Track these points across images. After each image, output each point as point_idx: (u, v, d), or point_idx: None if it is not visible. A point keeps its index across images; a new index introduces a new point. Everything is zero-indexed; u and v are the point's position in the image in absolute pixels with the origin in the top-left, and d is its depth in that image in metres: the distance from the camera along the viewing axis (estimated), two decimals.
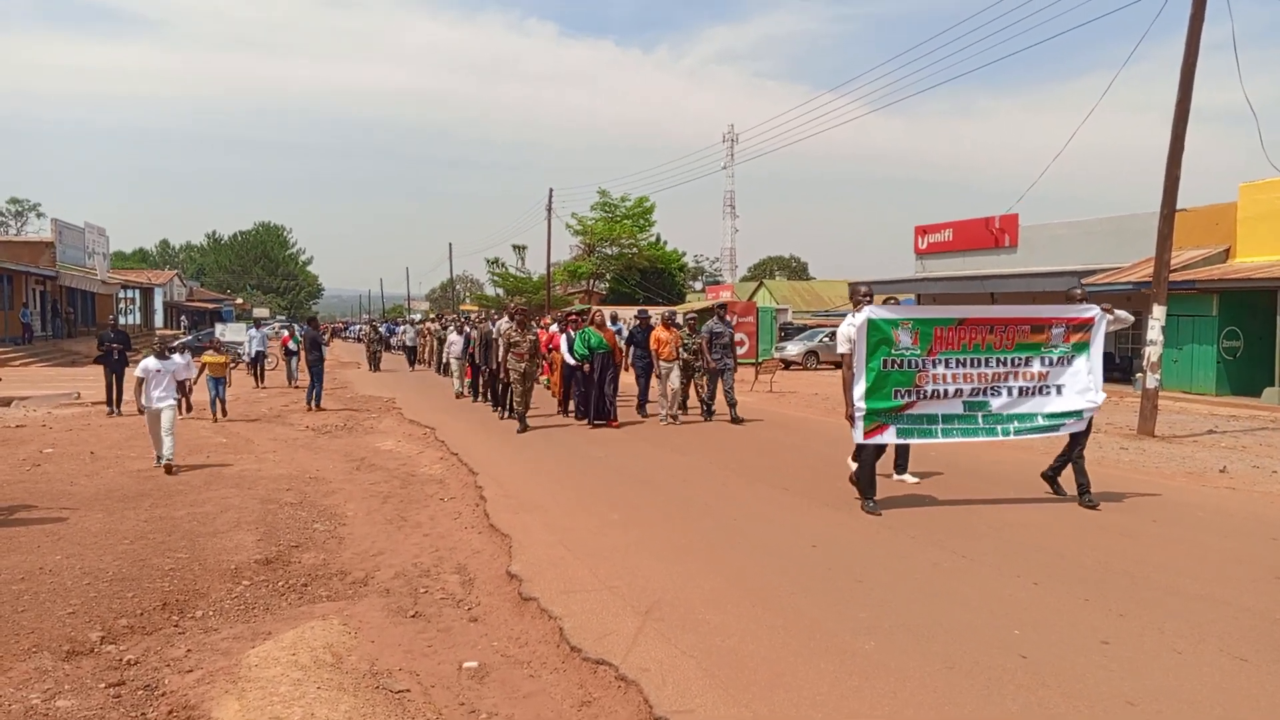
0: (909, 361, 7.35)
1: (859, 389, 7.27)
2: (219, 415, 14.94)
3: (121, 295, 47.31)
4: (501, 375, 13.98)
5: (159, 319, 56.45)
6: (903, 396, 7.38)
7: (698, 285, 70.36)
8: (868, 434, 7.31)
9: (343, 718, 3.91)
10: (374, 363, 29.41)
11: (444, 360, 24.20)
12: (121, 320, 45.64)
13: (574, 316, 15.64)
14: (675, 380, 13.94)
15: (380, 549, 6.93)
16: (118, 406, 15.41)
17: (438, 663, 4.68)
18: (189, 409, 14.26)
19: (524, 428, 12.96)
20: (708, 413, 14.34)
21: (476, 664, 4.63)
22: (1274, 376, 19.20)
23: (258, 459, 11.00)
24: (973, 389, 7.56)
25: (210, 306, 65.38)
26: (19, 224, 79.33)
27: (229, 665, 4.53)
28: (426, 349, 30.18)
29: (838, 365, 19.68)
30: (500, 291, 56.30)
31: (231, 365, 16.09)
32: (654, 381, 14.58)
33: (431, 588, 5.95)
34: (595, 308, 15.31)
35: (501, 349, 13.57)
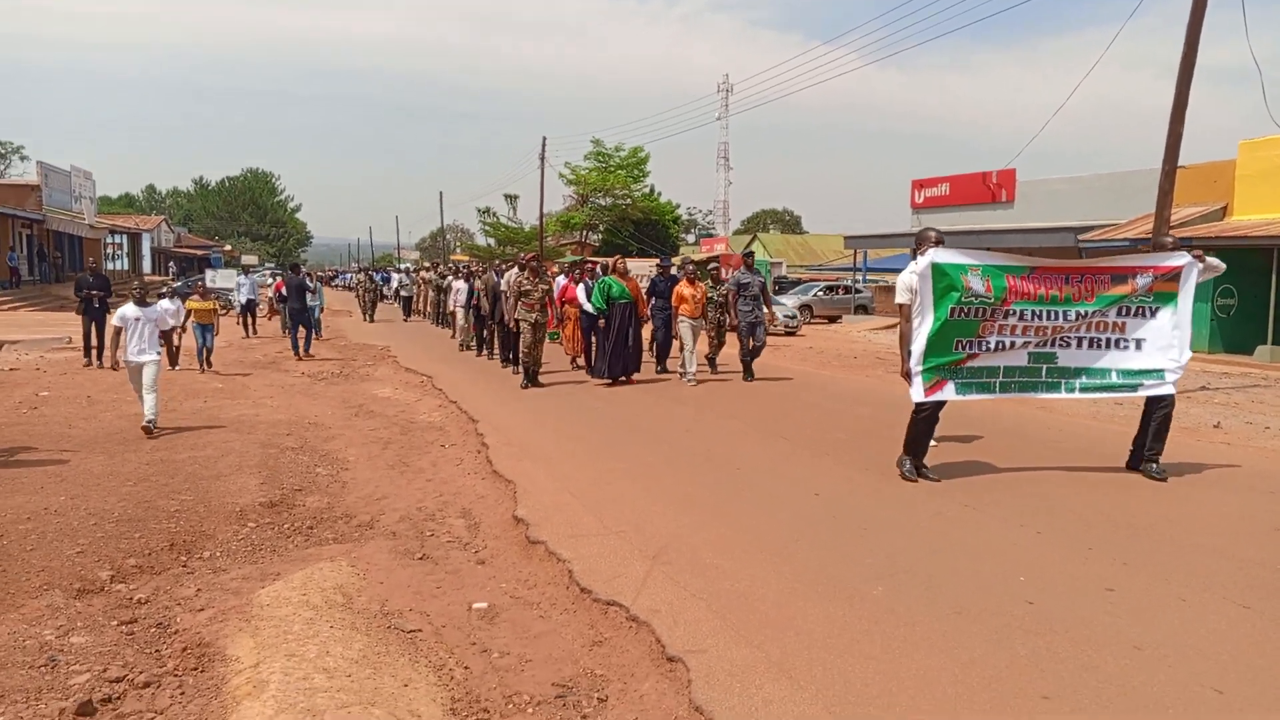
0: (976, 310, 6.58)
1: (919, 343, 6.55)
2: (205, 366, 14.20)
3: (109, 240, 46.83)
4: (510, 325, 13.11)
5: (147, 265, 55.93)
6: (964, 348, 6.67)
7: (691, 238, 70.01)
8: (929, 390, 6.60)
9: (357, 656, 3.94)
10: (369, 311, 28.49)
11: (442, 310, 23.61)
12: (109, 266, 45.26)
13: (592, 264, 14.79)
14: (692, 338, 12.81)
15: (384, 493, 6.95)
16: (98, 358, 14.21)
17: (447, 604, 4.71)
18: (175, 362, 14.18)
19: (528, 383, 12.26)
20: (748, 373, 13.05)
21: (486, 605, 4.67)
22: (1267, 334, 19.29)
23: (255, 404, 10.97)
24: (1042, 340, 6.84)
25: (199, 253, 64.79)
26: (3, 166, 78.15)
27: (240, 604, 4.55)
28: (422, 298, 29.47)
29: (831, 320, 18.48)
30: (491, 241, 55.90)
31: (220, 312, 15.19)
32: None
33: (438, 531, 5.97)
34: (617, 256, 14.05)
35: (512, 299, 12.60)
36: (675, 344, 13.68)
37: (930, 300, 6.53)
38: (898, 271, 34.73)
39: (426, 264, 43.43)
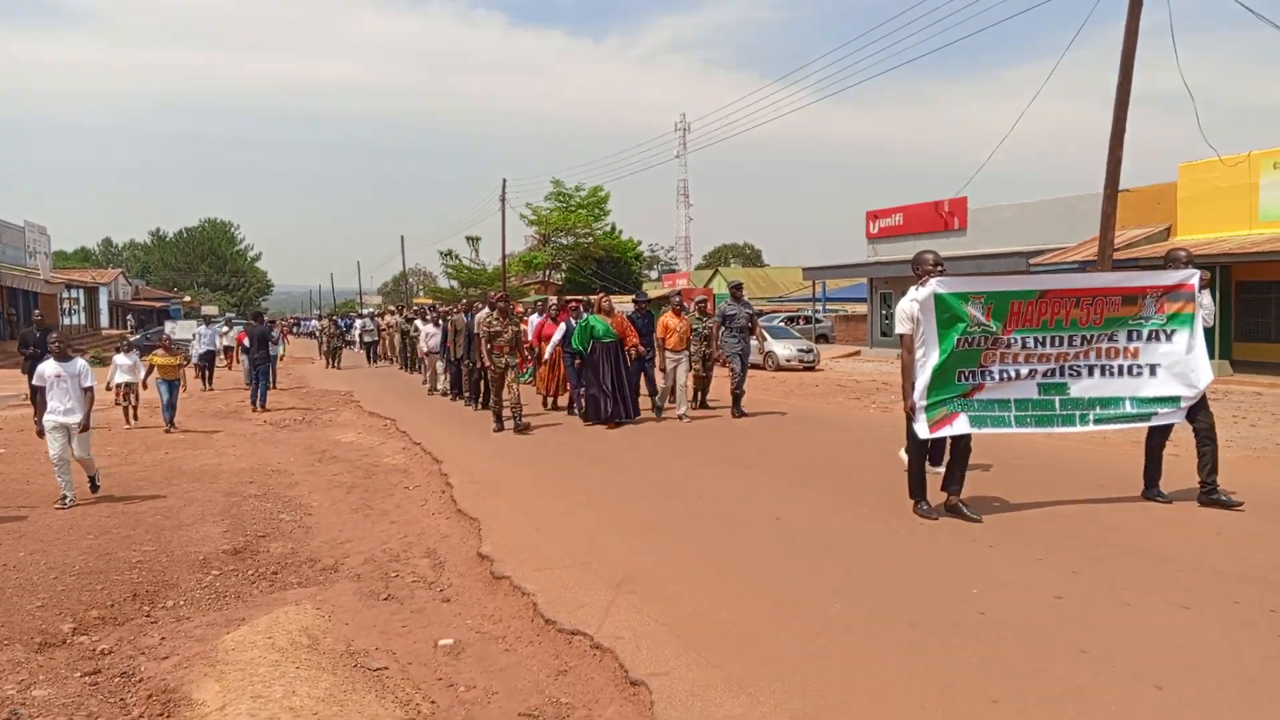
0: (978, 339, 6.27)
1: (923, 377, 6.19)
2: (170, 425, 13.06)
3: (65, 295, 46.19)
4: (480, 369, 12.55)
5: (104, 318, 55.22)
6: (967, 379, 6.33)
7: (653, 274, 70.55)
8: (934, 426, 6.22)
9: (324, 695, 3.97)
10: (333, 359, 27.63)
11: (409, 355, 23.04)
12: (66, 320, 44.60)
13: (575, 304, 14.09)
14: (682, 374, 12.26)
15: (348, 537, 6.96)
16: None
17: (413, 642, 4.75)
18: (133, 417, 13.51)
19: (501, 426, 11.74)
20: (734, 407, 12.55)
21: (452, 641, 4.71)
22: (1214, 349, 19.83)
23: (217, 454, 10.91)
24: (1048, 369, 6.49)
25: (157, 305, 64.06)
26: None
27: (205, 650, 4.56)
28: (386, 343, 28.86)
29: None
30: (455, 284, 55.93)
31: (184, 365, 14.52)
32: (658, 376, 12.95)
33: (402, 571, 6.00)
34: (601, 294, 13.63)
35: (482, 341, 11.97)
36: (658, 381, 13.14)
37: (934, 332, 6.21)
38: (855, 301, 35.14)
39: (391, 307, 42.86)
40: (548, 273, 50.25)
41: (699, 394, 13.44)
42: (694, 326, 12.60)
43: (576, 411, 12.74)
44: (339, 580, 5.84)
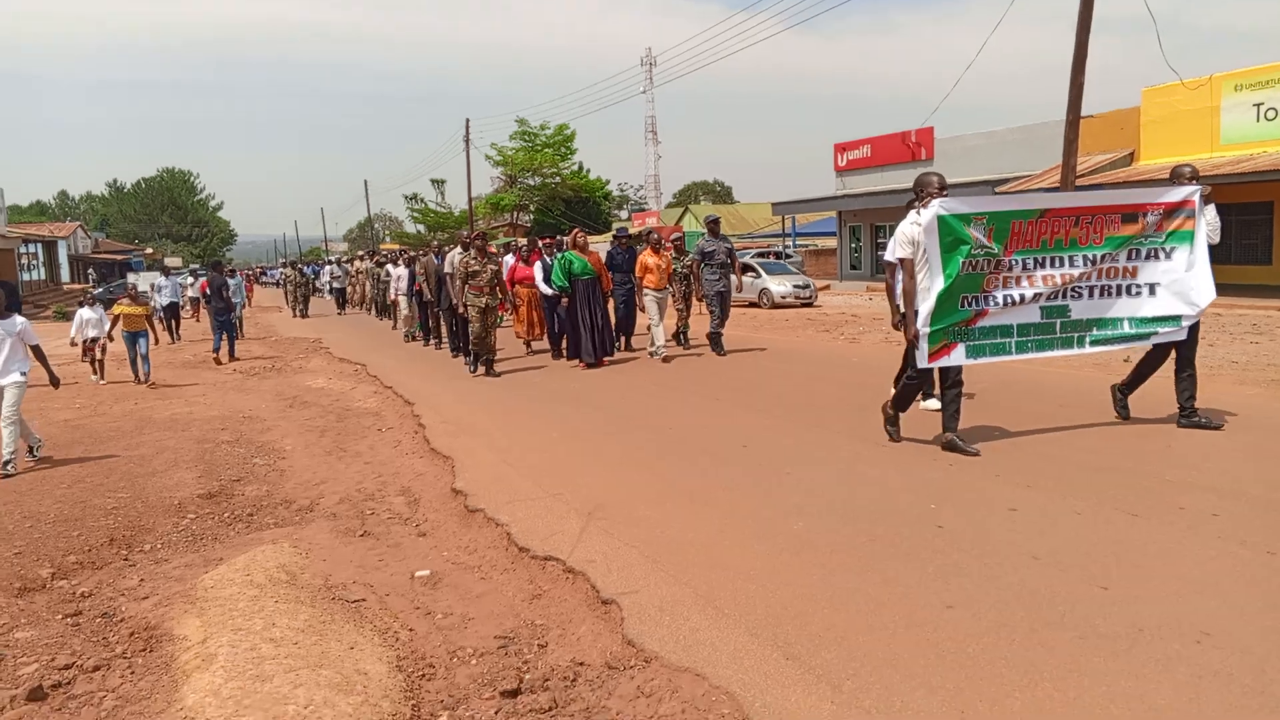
0: (982, 263, 6.09)
1: (927, 303, 6.00)
2: (141, 378, 12.78)
3: (23, 250, 45.27)
4: (460, 311, 11.93)
5: (65, 273, 54.24)
6: (970, 305, 6.14)
7: (623, 213, 70.08)
8: (933, 355, 6.07)
9: (303, 625, 4.07)
10: (301, 307, 26.95)
11: (381, 300, 22.45)
12: (25, 276, 43.78)
13: (548, 240, 13.77)
14: (659, 309, 12.10)
15: (322, 478, 7.03)
16: None
17: (390, 574, 4.86)
18: (101, 372, 13.11)
19: (477, 370, 11.47)
20: (717, 345, 12.36)
21: (429, 572, 4.82)
22: None
23: (187, 402, 10.90)
24: (1051, 292, 6.31)
25: (119, 258, 62.98)
26: None
27: (185, 589, 4.64)
28: (357, 290, 28.18)
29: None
30: (421, 228, 55.40)
31: (151, 315, 13.82)
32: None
33: (378, 509, 6.09)
34: (576, 229, 12.77)
35: (459, 282, 11.53)
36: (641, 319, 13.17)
37: (938, 255, 5.98)
38: (825, 235, 34.97)
39: (360, 253, 41.81)
40: (515, 214, 49.84)
41: (681, 333, 13.28)
42: (674, 266, 12.52)
43: (559, 355, 12.59)
44: (315, 520, 5.92)
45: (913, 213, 6.12)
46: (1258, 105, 20.03)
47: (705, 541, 4.64)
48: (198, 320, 20.44)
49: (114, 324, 13.05)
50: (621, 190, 78.25)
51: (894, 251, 6.43)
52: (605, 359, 11.77)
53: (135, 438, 8.66)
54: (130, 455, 7.83)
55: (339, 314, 27.68)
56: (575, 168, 50.82)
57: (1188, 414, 6.49)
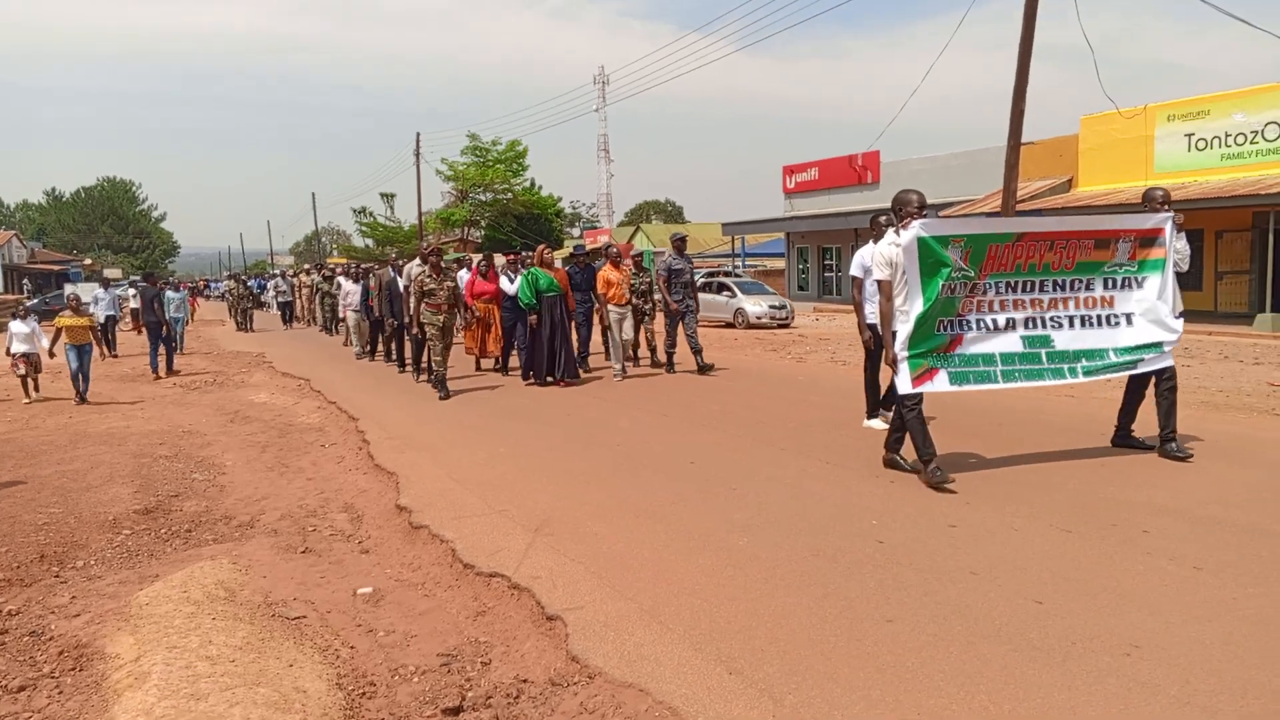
0: (958, 286, 6.00)
1: (905, 327, 5.87)
2: (81, 397, 11.91)
3: None
4: (414, 330, 11.47)
5: None
6: (946, 329, 6.01)
7: (575, 231, 70.10)
8: (917, 380, 5.87)
9: (241, 643, 3.99)
10: (245, 322, 26.16)
11: (328, 315, 22.10)
12: None
13: (514, 256, 13.59)
14: (628, 329, 12.01)
15: (264, 494, 6.90)
16: None
17: (332, 591, 4.78)
18: (35, 388, 12.12)
19: (446, 393, 10.74)
20: (670, 366, 12.31)
21: (371, 589, 4.76)
22: None
23: (125, 416, 10.64)
24: (1027, 318, 6.24)
25: (56, 268, 61.26)
26: None
27: (118, 607, 4.52)
28: (304, 304, 27.67)
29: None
30: (369, 242, 54.84)
31: (93, 326, 12.83)
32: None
33: (320, 526, 6.00)
34: (543, 245, 12.37)
35: (414, 299, 11.14)
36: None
37: (917, 279, 5.85)
38: (774, 256, 35.17)
39: (307, 266, 40.92)
40: (466, 229, 49.59)
41: (650, 350, 12.99)
42: (632, 281, 12.22)
43: (508, 372, 12.23)
44: (255, 536, 5.82)
45: (890, 233, 5.99)
46: (1189, 135, 20.76)
47: (651, 556, 4.66)
48: (139, 334, 19.64)
49: (56, 337, 12.08)
50: (574, 208, 78.42)
51: (861, 269, 6.78)
52: (568, 381, 11.35)
53: (69, 452, 8.43)
54: (63, 470, 7.61)
55: (285, 329, 27.00)
56: (527, 184, 50.77)
57: (1166, 439, 6.42)
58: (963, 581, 4.12)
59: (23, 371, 12.12)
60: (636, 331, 12.87)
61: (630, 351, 12.94)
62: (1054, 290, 6.34)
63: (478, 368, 13.48)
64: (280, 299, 29.19)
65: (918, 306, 5.86)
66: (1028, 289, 6.27)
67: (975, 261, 6.02)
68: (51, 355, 12.20)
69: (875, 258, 6.07)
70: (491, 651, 3.91)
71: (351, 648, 4.06)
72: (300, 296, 28.25)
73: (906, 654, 3.42)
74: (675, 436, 7.91)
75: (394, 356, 14.36)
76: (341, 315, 18.28)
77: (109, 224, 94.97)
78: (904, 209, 5.94)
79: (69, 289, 32.79)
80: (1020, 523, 4.94)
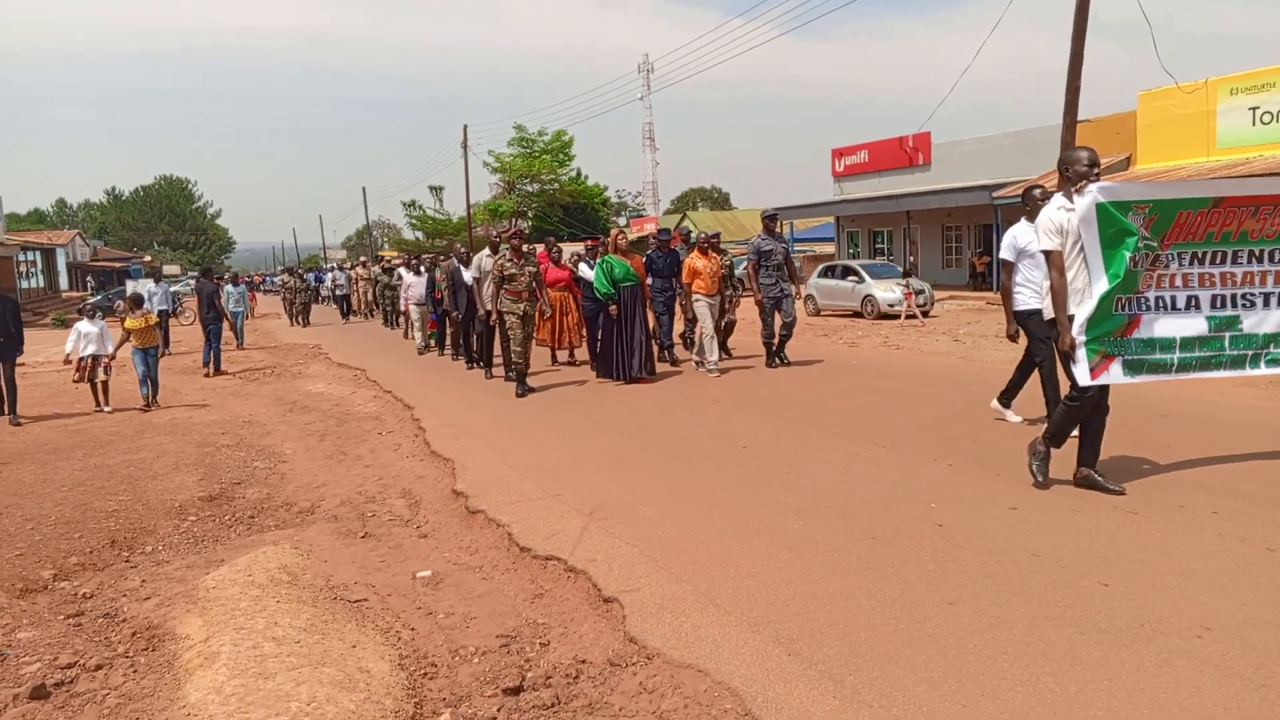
0: (1141, 259, 5.06)
1: (1084, 309, 4.98)
2: (150, 403, 11.00)
3: (21, 258, 45.26)
4: (491, 320, 10.69)
5: (63, 281, 54.22)
6: (1124, 309, 5.08)
7: (621, 219, 70.18)
8: (1094, 371, 5.03)
9: (305, 625, 4.07)
10: (302, 316, 25.37)
11: (389, 309, 21.75)
12: (24, 284, 43.72)
13: (591, 242, 12.60)
14: (710, 321, 10.86)
15: (323, 481, 7.03)
16: (10, 409, 10.14)
17: (392, 575, 4.86)
18: (105, 398, 10.95)
19: (525, 390, 10.02)
20: (772, 357, 11.20)
21: (430, 573, 4.83)
22: None
23: (188, 407, 10.90)
24: (1215, 296, 5.24)
25: (117, 265, 63.00)
26: None
27: (186, 590, 4.65)
28: (360, 297, 27.32)
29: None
30: (419, 235, 55.43)
31: (157, 325, 11.89)
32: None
33: (379, 511, 6.10)
34: (617, 228, 11.76)
35: (492, 287, 10.32)
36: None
37: (1098, 251, 4.99)
38: (822, 241, 34.53)
39: (363, 259, 41.13)
40: (514, 220, 49.86)
41: (724, 340, 12.23)
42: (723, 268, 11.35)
43: (596, 371, 11.24)
44: (316, 521, 5.93)
45: (1060, 196, 5.14)
46: (1253, 109, 20.10)
47: (705, 540, 4.65)
48: (195, 326, 19.61)
49: (122, 342, 11.18)
50: (619, 196, 78.44)
51: (1013, 250, 6.15)
52: (644, 378, 10.43)
53: (135, 441, 8.66)
54: (131, 459, 7.83)
55: (343, 322, 26.34)
56: (573, 174, 50.89)
57: None
58: (1025, 564, 4.06)
59: (96, 376, 10.94)
60: (727, 322, 11.96)
61: (723, 342, 11.90)
62: (1249, 262, 5.28)
63: (553, 361, 12.79)
64: (338, 292, 28.72)
65: (1101, 284, 4.98)
66: (1218, 260, 5.24)
67: (1158, 230, 5.08)
68: (112, 359, 11.22)
69: (1043, 225, 5.12)
70: (550, 633, 3.94)
71: (412, 629, 4.12)
72: (357, 289, 27.81)
73: (968, 636, 3.38)
74: (727, 423, 7.88)
75: (461, 352, 13.56)
76: (403, 308, 17.71)
77: (167, 221, 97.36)
78: (1071, 168, 5.08)
79: (129, 285, 33.46)
80: (1083, 505, 4.85)
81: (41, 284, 48.43)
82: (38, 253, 49.11)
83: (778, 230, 11.29)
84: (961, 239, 29.41)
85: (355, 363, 14.60)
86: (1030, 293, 6.54)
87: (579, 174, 51.62)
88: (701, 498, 5.46)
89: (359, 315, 27.45)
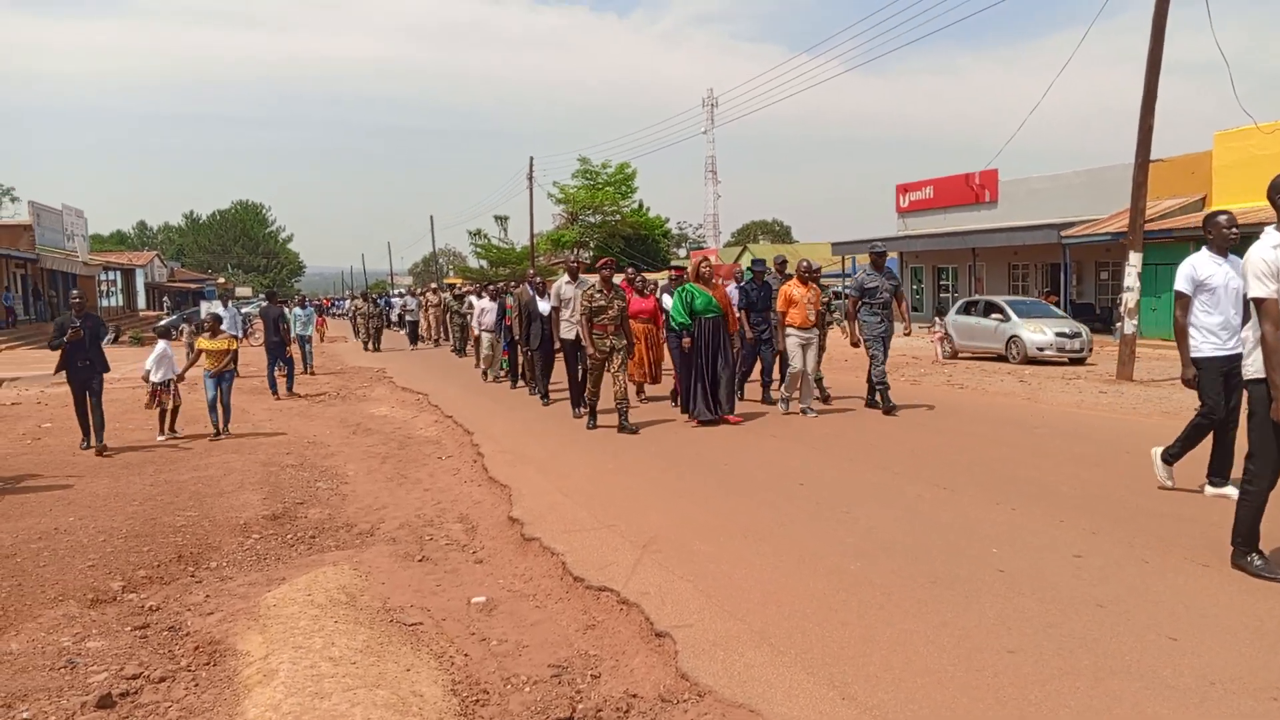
0: None
1: None
2: (221, 430, 10.46)
3: (103, 277, 47.06)
4: (592, 358, 9.68)
5: (141, 300, 56.19)
6: None
7: (682, 251, 70.42)
8: None
9: (361, 646, 4.13)
10: (373, 341, 25.20)
11: (458, 335, 21.41)
12: (104, 302, 45.37)
13: (677, 272, 11.60)
14: (810, 357, 9.92)
15: (383, 503, 7.14)
16: (97, 437, 9.40)
17: (447, 599, 4.91)
18: (171, 423, 10.42)
19: (594, 423, 9.69)
20: (880, 399, 10.18)
21: (484, 599, 4.86)
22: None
23: (254, 427, 11.18)
24: None
25: (192, 287, 65.01)
26: None
27: (248, 607, 4.75)
28: (429, 324, 27.17)
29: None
30: (484, 264, 56.26)
31: (232, 349, 11.01)
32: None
33: (436, 535, 6.17)
34: (702, 256, 10.40)
35: (582, 322, 9.58)
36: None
37: None
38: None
39: (433, 284, 41.58)
40: (575, 251, 50.36)
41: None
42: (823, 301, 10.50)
43: (680, 407, 10.51)
44: (375, 543, 6.02)
45: (1273, 232, 4.46)
46: None
47: (760, 578, 4.61)
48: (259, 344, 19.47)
49: (194, 361, 10.64)
50: (680, 228, 78.79)
51: (1190, 283, 5.46)
52: (728, 417, 9.70)
53: (203, 459, 8.90)
54: (199, 476, 8.05)
55: (411, 349, 25.85)
56: (635, 205, 51.27)
57: None
58: (1089, 614, 3.94)
59: (166, 404, 10.36)
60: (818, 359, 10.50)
61: (818, 381, 10.62)
62: None
63: (640, 394, 11.81)
64: (409, 318, 28.11)
65: None
66: None
67: None
68: (181, 379, 10.76)
69: (1253, 266, 4.38)
70: (601, 665, 3.94)
71: (465, 655, 4.15)
72: (427, 315, 27.51)
73: (1029, 686, 3.29)
74: (784, 458, 7.83)
75: (537, 388, 12.63)
76: (474, 336, 17.21)
77: (240, 244, 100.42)
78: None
79: (204, 306, 34.32)
80: (1151, 555, 4.70)
81: (120, 303, 50.25)
82: (118, 273, 51.00)
83: (884, 267, 10.51)
84: (1028, 277, 28.93)
85: (418, 387, 14.83)
86: (1202, 336, 5.73)
87: (641, 205, 51.99)
88: (758, 534, 5.42)
89: (427, 342, 27.27)
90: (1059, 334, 17.15)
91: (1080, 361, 16.93)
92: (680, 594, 4.43)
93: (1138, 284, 14.34)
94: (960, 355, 19.27)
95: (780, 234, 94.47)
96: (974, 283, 28.84)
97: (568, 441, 9.13)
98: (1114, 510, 5.61)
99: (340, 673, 3.79)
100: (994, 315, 18.56)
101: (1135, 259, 14.36)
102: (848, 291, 10.21)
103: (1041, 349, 16.97)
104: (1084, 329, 17.78)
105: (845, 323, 10.07)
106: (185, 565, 5.62)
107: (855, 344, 9.97)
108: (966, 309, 19.92)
